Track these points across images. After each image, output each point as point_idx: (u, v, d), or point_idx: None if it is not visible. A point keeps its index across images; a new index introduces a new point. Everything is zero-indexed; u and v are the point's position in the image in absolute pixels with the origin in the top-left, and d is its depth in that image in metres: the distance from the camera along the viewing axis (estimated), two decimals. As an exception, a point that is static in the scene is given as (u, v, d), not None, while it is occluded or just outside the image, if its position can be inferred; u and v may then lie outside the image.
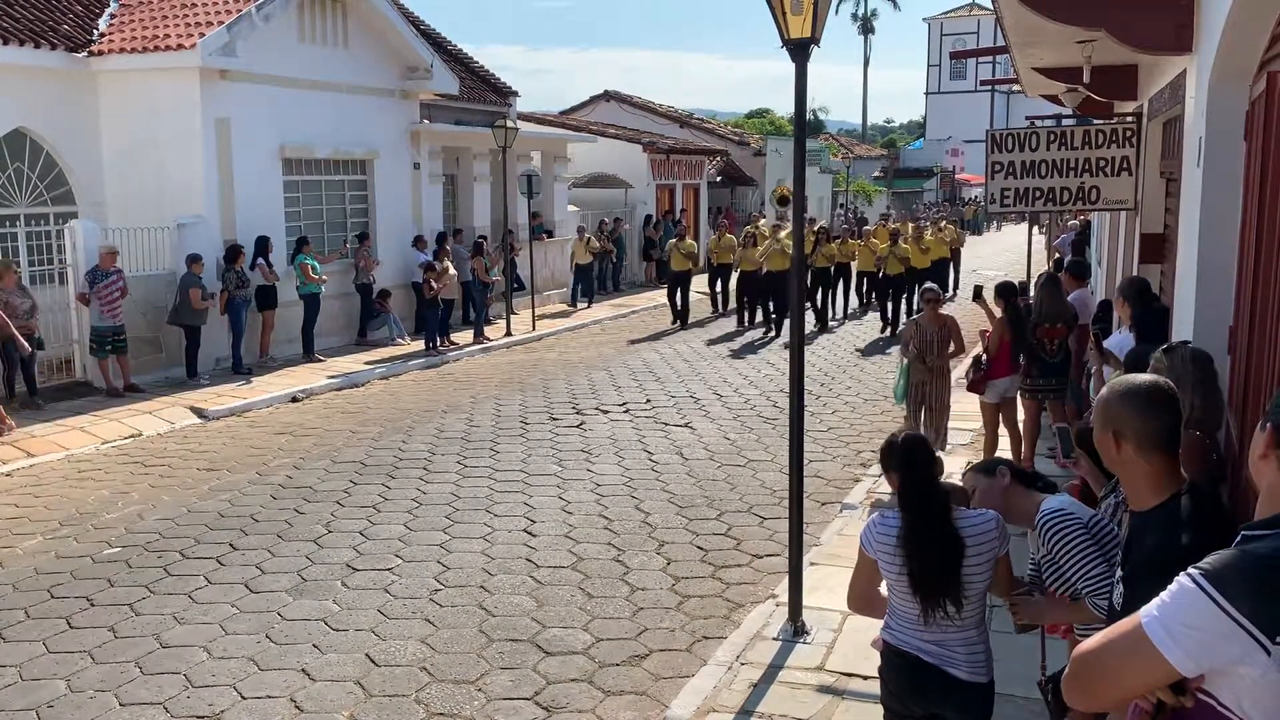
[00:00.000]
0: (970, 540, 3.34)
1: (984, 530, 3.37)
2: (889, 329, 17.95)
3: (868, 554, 3.47)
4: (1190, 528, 2.35)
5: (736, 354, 16.23)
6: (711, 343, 17.40)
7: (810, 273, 18.58)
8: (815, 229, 19.59)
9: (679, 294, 19.24)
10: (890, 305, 18.44)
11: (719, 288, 20.77)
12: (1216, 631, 1.75)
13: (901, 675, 3.49)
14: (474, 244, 17.84)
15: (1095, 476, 3.77)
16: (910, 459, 3.40)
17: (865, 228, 23.10)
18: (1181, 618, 1.78)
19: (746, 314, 19.02)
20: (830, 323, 19.16)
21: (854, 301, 21.36)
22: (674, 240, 20.18)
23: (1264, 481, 1.93)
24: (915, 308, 19.23)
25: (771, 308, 18.33)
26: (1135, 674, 1.86)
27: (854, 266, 20.61)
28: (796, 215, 6.11)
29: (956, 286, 23.33)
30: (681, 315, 19.24)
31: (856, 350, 16.53)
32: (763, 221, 24.10)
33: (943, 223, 24.25)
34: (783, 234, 18.70)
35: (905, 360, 9.07)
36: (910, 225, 22.07)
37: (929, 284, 9.97)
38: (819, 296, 18.88)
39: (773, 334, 17.88)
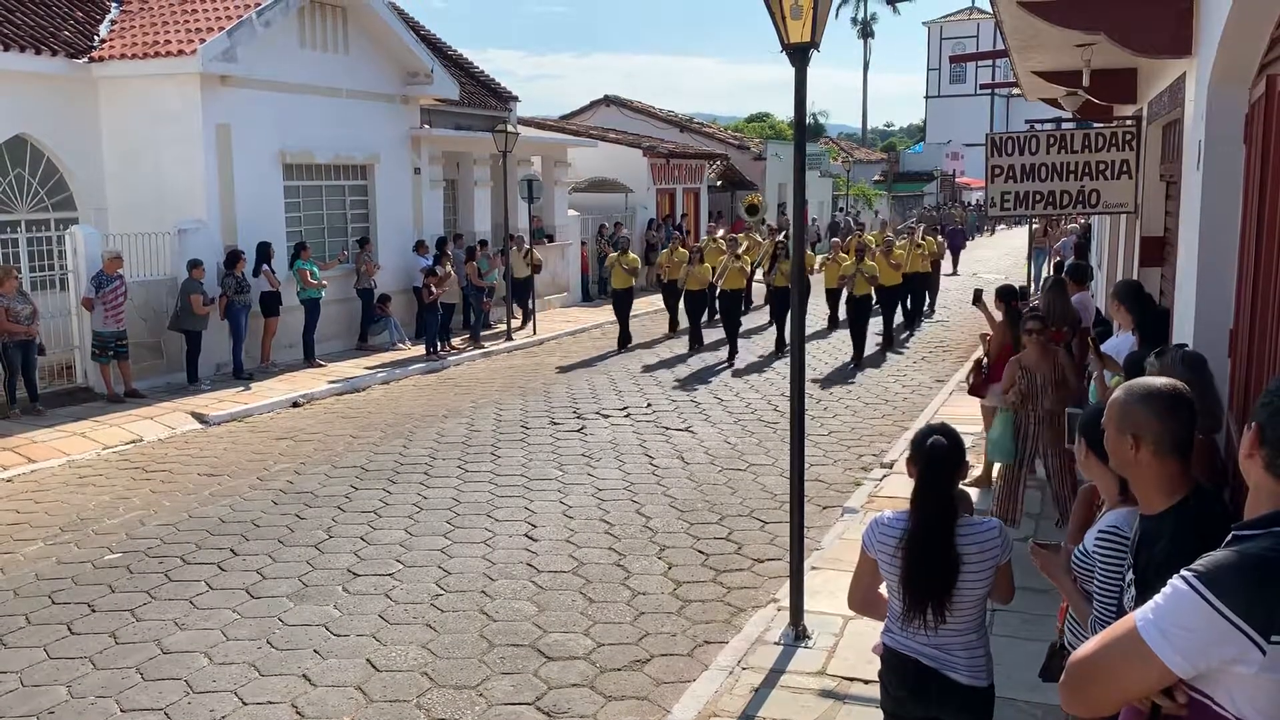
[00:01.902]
0: (971, 551, 3.33)
1: (986, 540, 3.36)
2: (858, 360, 15.36)
3: (869, 554, 3.47)
4: (1202, 530, 2.36)
5: (684, 384, 13.98)
6: (649, 369, 15.21)
7: (767, 291, 16.76)
8: (775, 240, 17.57)
9: (622, 313, 17.20)
10: (858, 331, 15.53)
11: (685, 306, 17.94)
12: (1211, 632, 1.75)
13: (901, 679, 3.48)
14: (467, 249, 17.77)
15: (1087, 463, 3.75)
16: (931, 464, 3.34)
17: (833, 239, 20.29)
18: (1176, 619, 1.78)
19: (696, 334, 16.97)
20: (787, 347, 15.31)
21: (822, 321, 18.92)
22: (615, 254, 17.76)
23: (1251, 480, 1.93)
24: (896, 328, 17.23)
25: (724, 329, 16.22)
26: (1131, 677, 1.86)
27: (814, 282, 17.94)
28: (797, 219, 6.11)
29: (933, 304, 21.61)
30: (621, 338, 17.24)
31: (813, 381, 13.67)
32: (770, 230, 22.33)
33: (919, 234, 20.70)
34: (741, 248, 16.94)
35: (1005, 408, 7.56)
36: (882, 237, 19.34)
37: (1032, 310, 8.15)
38: (777, 316, 16.51)
39: (729, 360, 15.64)
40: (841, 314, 17.76)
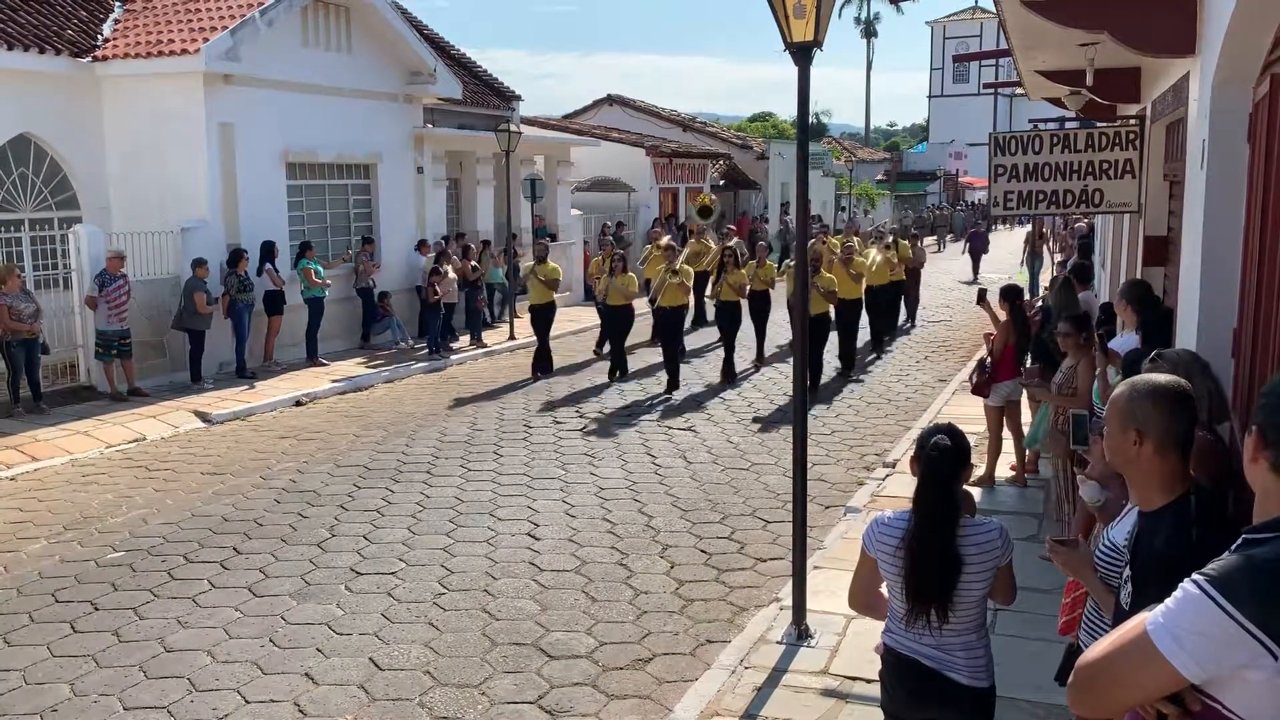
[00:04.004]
0: (972, 552, 3.32)
1: (987, 541, 3.35)
2: (813, 391, 12.72)
3: (869, 554, 3.46)
4: (1199, 527, 2.37)
5: (601, 425, 11.30)
6: (552, 406, 12.49)
7: (715, 308, 14.55)
8: (724, 247, 15.19)
9: (542, 333, 14.53)
10: (813, 356, 12.79)
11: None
12: (1223, 637, 1.74)
13: (901, 679, 3.47)
14: (463, 248, 17.42)
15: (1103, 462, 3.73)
16: (933, 464, 3.32)
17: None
18: (1188, 624, 1.77)
19: (613, 361, 14.32)
20: (750, 370, 14.54)
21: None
22: (532, 263, 14.82)
23: (1257, 485, 1.93)
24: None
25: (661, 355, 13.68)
26: (1142, 681, 1.85)
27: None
28: (801, 224, 6.11)
29: (912, 319, 19.50)
30: (542, 363, 14.53)
31: (755, 421, 11.56)
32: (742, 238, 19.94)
33: (887, 239, 17.80)
34: (680, 260, 14.34)
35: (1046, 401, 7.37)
36: (841, 243, 15.76)
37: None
38: (729, 340, 14.11)
39: (668, 391, 13.18)
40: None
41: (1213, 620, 1.75)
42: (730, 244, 15.95)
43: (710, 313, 17.00)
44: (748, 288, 14.37)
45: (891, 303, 17.48)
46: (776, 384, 13.76)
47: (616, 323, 14.21)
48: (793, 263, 13.94)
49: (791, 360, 13.92)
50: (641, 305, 15.47)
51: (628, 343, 14.61)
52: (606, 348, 15.03)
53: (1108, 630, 3.00)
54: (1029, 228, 22.89)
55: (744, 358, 15.10)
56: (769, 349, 15.77)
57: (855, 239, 16.91)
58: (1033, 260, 22.23)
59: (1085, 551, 3.20)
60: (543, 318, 14.51)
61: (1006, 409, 8.78)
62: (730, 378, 13.92)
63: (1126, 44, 5.63)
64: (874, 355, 15.95)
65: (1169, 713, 1.87)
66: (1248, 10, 4.09)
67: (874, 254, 16.32)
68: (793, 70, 5.60)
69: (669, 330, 13.56)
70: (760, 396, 13.04)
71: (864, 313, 15.24)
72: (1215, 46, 4.62)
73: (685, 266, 14.19)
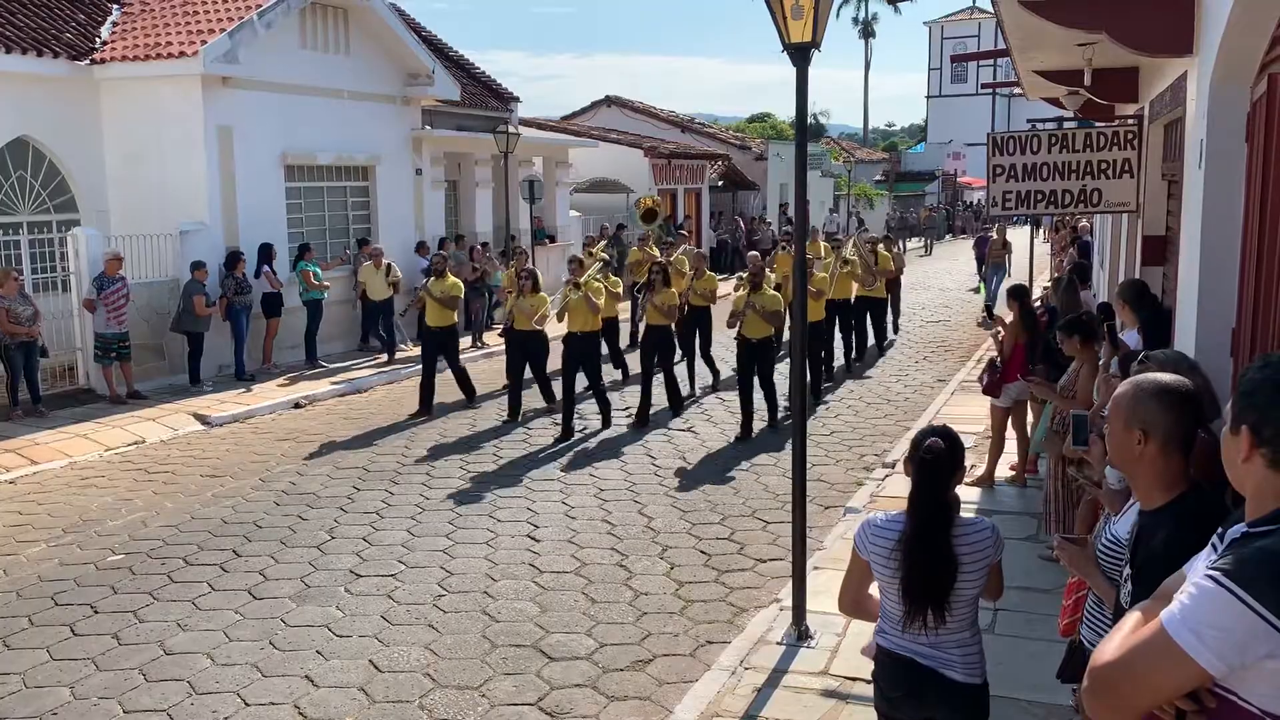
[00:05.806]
0: (965, 552, 3.32)
1: (980, 541, 3.36)
2: (746, 432, 10.89)
3: (860, 555, 3.46)
4: (1200, 525, 2.36)
5: (598, 430, 10.96)
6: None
7: (643, 332, 11.99)
8: (653, 261, 13.22)
9: (433, 364, 12.09)
10: (748, 391, 10.99)
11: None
12: (1244, 629, 1.73)
13: (896, 678, 3.47)
14: (468, 249, 17.37)
15: (1104, 462, 3.74)
16: (927, 466, 3.31)
17: (751, 253, 14.13)
18: (1207, 618, 1.77)
19: (513, 397, 11.83)
20: (671, 406, 11.89)
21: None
22: (429, 280, 12.30)
23: (1249, 482, 1.92)
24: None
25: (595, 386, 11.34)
26: (1164, 679, 1.83)
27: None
28: (800, 224, 6.11)
29: (896, 330, 17.84)
30: (423, 399, 11.98)
31: (685, 471, 9.61)
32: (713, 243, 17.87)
33: (850, 247, 14.57)
34: (593, 269, 11.84)
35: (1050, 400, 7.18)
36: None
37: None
38: (647, 370, 11.61)
39: (597, 427, 11.25)
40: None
41: (1233, 613, 1.74)
42: (662, 258, 13.79)
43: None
44: (680, 309, 12.12)
45: (861, 320, 15.12)
46: (777, 385, 13.71)
47: (526, 353, 11.68)
48: (746, 275, 11.87)
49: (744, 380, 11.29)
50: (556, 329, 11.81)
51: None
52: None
53: (1110, 625, 3.01)
54: (994, 238, 21.58)
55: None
56: (706, 375, 13.41)
57: (823, 244, 15.33)
58: (993, 273, 21.42)
59: (1092, 549, 3.21)
60: (437, 343, 12.08)
61: (1013, 409, 8.77)
62: (644, 418, 11.41)
63: (1124, 44, 5.64)
64: (829, 384, 13.61)
65: (1188, 709, 1.86)
66: (1245, 10, 4.10)
67: (832, 263, 13.97)
68: (791, 71, 5.60)
69: (581, 361, 11.07)
70: (759, 397, 12.99)
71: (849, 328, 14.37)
72: (1213, 46, 4.63)
73: (596, 282, 11.37)
